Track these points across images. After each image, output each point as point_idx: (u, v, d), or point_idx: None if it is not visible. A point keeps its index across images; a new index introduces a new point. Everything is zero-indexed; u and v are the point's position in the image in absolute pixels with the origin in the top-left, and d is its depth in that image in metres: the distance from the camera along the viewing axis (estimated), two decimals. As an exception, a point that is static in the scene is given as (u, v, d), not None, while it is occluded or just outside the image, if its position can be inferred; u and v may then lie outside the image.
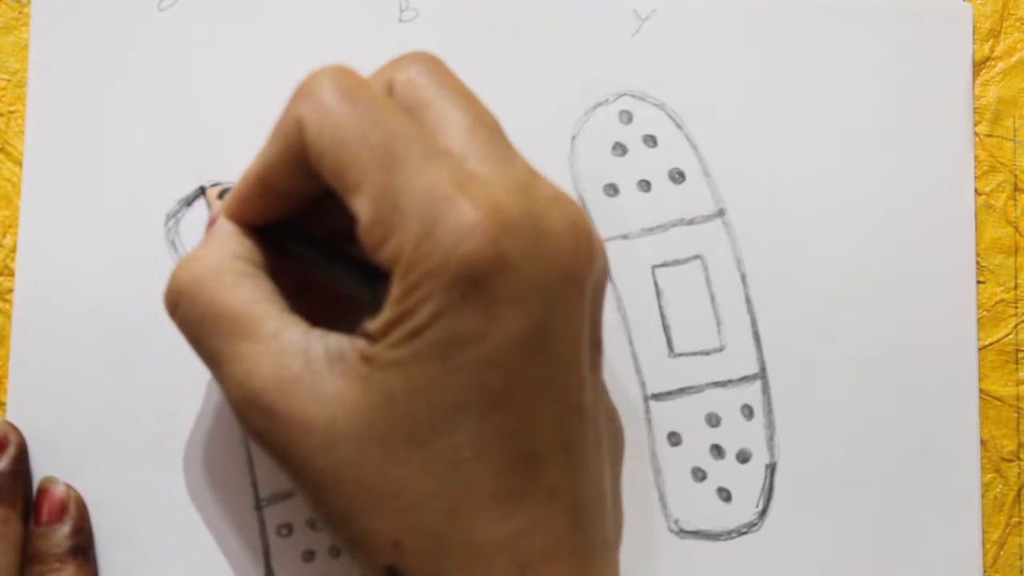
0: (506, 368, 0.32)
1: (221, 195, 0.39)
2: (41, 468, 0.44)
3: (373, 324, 0.33)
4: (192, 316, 0.35)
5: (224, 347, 0.34)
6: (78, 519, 0.43)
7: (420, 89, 0.34)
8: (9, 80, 0.45)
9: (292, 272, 0.38)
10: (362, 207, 0.32)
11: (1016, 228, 0.47)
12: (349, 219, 0.34)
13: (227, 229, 0.37)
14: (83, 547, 0.42)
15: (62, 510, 0.42)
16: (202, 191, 0.44)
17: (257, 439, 0.35)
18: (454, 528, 0.32)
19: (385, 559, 0.33)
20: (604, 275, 0.35)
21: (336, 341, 0.33)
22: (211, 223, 0.39)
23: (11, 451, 0.43)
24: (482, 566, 0.32)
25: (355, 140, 0.32)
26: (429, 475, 0.32)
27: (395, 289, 0.32)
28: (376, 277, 0.33)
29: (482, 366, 0.31)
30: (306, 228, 0.37)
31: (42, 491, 0.43)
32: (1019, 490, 0.46)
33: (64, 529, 0.42)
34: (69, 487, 0.43)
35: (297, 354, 0.33)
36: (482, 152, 0.33)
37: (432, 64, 0.35)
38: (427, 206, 0.31)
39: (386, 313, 0.32)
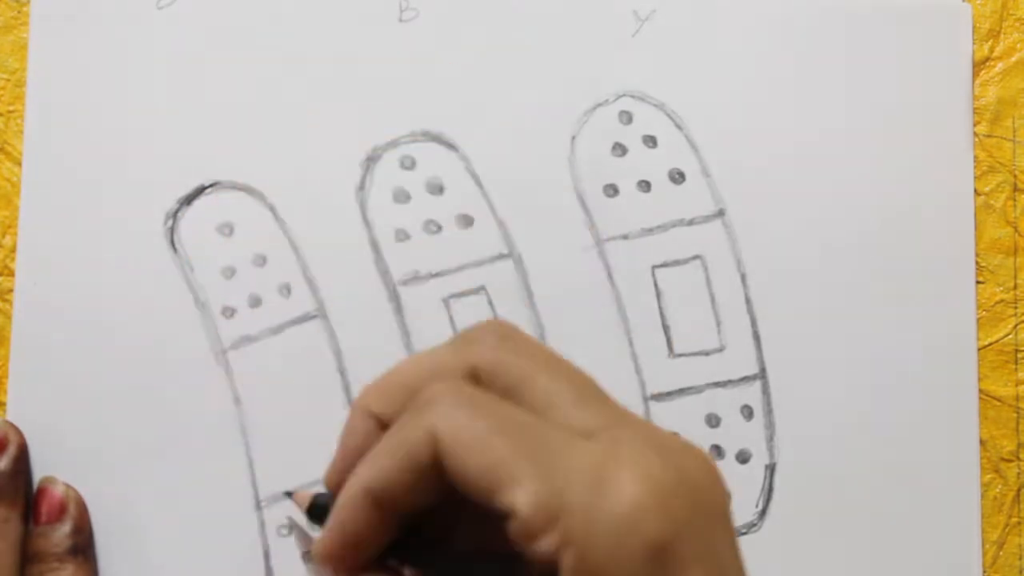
0: None
1: (312, 509, 0.37)
2: (41, 468, 0.44)
3: None
4: None
5: None
6: (78, 519, 0.43)
7: (510, 369, 0.34)
8: (8, 79, 0.45)
9: None
10: (520, 498, 0.31)
11: (1015, 228, 0.47)
12: (455, 528, 0.33)
13: None
14: (83, 547, 0.42)
15: (61, 510, 0.42)
16: (288, 495, 0.42)
17: None
18: None
19: None
20: (730, 496, 0.35)
21: None
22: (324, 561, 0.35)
23: (11, 451, 0.43)
24: None
25: (497, 438, 0.32)
26: None
27: (569, 570, 0.31)
28: (515, 570, 0.32)
29: None
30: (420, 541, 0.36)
31: (41, 491, 0.43)
32: (1018, 490, 0.46)
33: (64, 529, 0.42)
34: (68, 487, 0.43)
35: None
36: (600, 422, 0.33)
37: (508, 337, 0.35)
38: (588, 487, 0.31)
39: None
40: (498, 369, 0.34)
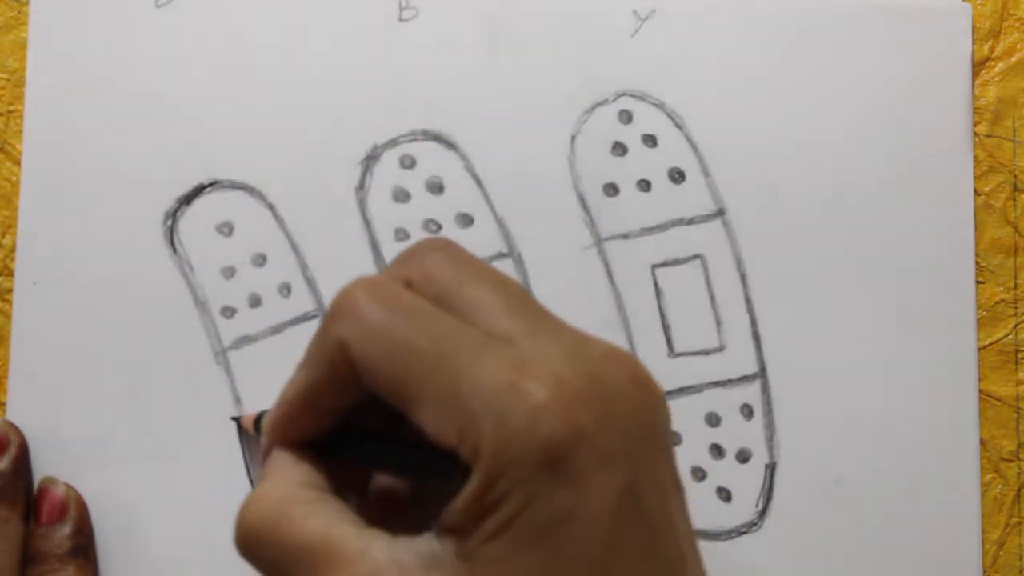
0: (606, 539, 0.31)
1: (257, 422, 0.38)
2: (41, 468, 0.44)
3: (458, 518, 0.32)
4: (269, 556, 0.34)
5: None
6: (78, 519, 0.43)
7: (441, 279, 0.34)
8: (8, 79, 0.45)
9: (356, 475, 0.37)
10: (427, 416, 0.32)
11: (1016, 228, 0.47)
12: (390, 411, 0.33)
13: (282, 459, 0.36)
14: (83, 547, 0.42)
15: (62, 511, 0.42)
16: (236, 422, 0.44)
17: None
18: None
19: None
20: (668, 417, 0.34)
21: (426, 546, 0.32)
22: (264, 453, 0.37)
23: (12, 451, 0.43)
24: None
25: (404, 352, 0.32)
26: None
27: (478, 483, 0.31)
28: (452, 468, 0.32)
29: (582, 542, 0.31)
30: (360, 427, 0.37)
31: (42, 491, 0.43)
32: (1019, 490, 0.46)
33: (64, 530, 0.42)
34: (69, 487, 0.43)
35: (390, 570, 0.32)
36: (525, 327, 0.33)
37: (444, 250, 0.35)
38: (493, 399, 0.31)
39: (472, 507, 0.31)
40: (429, 279, 0.34)
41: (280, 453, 0.36)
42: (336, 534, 0.33)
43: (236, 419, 0.44)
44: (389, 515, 0.35)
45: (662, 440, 0.33)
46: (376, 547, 0.33)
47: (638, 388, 0.33)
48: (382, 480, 0.38)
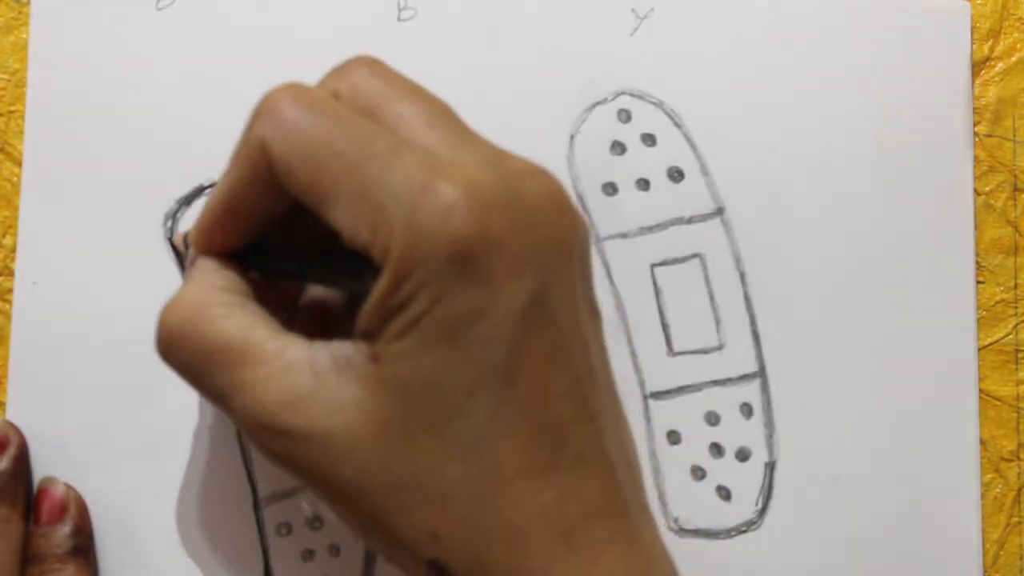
0: (511, 341, 0.32)
1: (186, 240, 0.38)
2: (41, 468, 0.44)
3: (368, 319, 0.32)
4: (187, 357, 0.35)
5: (227, 379, 0.34)
6: (78, 519, 0.43)
7: (367, 93, 0.35)
8: (9, 80, 0.45)
9: (283, 293, 0.38)
10: (341, 214, 0.32)
11: (1016, 228, 0.47)
12: (317, 226, 0.34)
13: (205, 265, 0.37)
14: (83, 547, 0.42)
15: (62, 510, 0.42)
16: (170, 240, 0.45)
17: (278, 461, 0.34)
18: (489, 509, 0.32)
19: (426, 553, 0.33)
20: (587, 241, 0.35)
21: (340, 348, 0.33)
22: (190, 264, 0.38)
23: (12, 451, 0.43)
24: (522, 542, 0.32)
25: (321, 150, 0.33)
26: (455, 461, 0.32)
27: (386, 281, 0.32)
28: (367, 271, 0.33)
29: (488, 342, 0.31)
30: (284, 241, 0.37)
31: (41, 491, 0.43)
32: (1019, 490, 0.46)
33: (64, 529, 0.42)
34: (69, 487, 0.43)
35: (303, 370, 0.33)
36: (445, 138, 0.33)
37: (373, 66, 0.35)
38: (405, 197, 0.31)
39: (380, 306, 0.32)
40: (355, 93, 0.34)
41: (204, 260, 0.37)
42: (253, 336, 0.34)
43: (169, 239, 0.44)
44: (319, 330, 0.36)
45: (577, 260, 0.34)
46: (292, 348, 0.34)
47: (554, 205, 0.33)
48: (312, 292, 0.39)
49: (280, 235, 0.37)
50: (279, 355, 0.34)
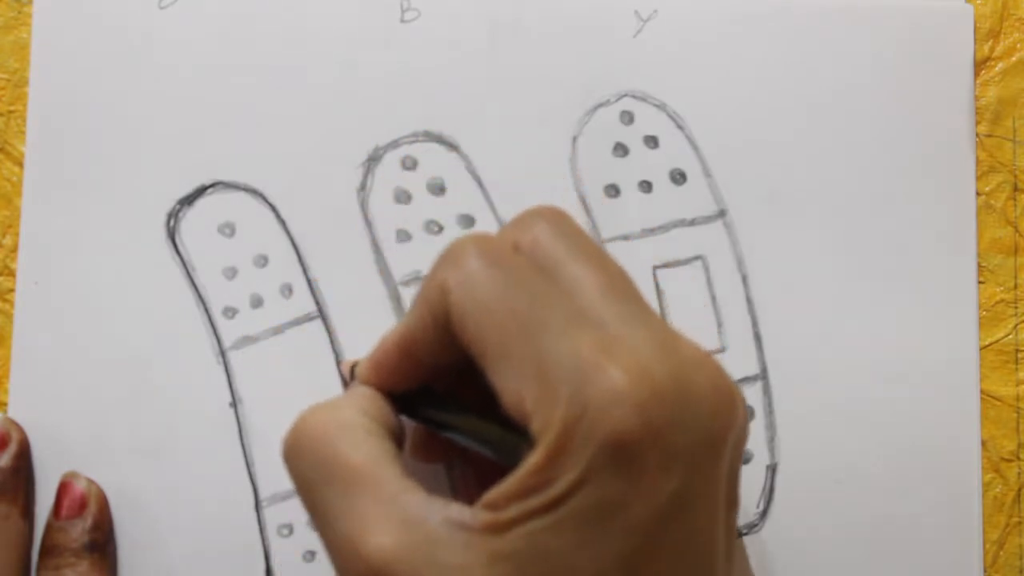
0: (645, 536, 0.31)
1: (353, 371, 0.38)
2: (41, 468, 0.44)
3: (502, 490, 0.31)
4: (310, 463, 0.34)
5: (340, 500, 0.33)
6: (97, 515, 0.43)
7: (548, 249, 0.34)
8: (9, 80, 0.45)
9: (429, 451, 0.38)
10: (506, 377, 0.32)
11: (1016, 228, 0.47)
12: (484, 387, 0.33)
13: (361, 390, 0.37)
14: (100, 543, 0.43)
15: (82, 506, 0.43)
16: (338, 367, 0.45)
17: None
18: None
19: None
20: (745, 433, 0.34)
21: (458, 512, 0.32)
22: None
23: (12, 447, 0.43)
24: None
25: (498, 305, 0.32)
26: None
27: (538, 457, 0.31)
28: (521, 440, 0.32)
29: (622, 534, 0.30)
30: (442, 393, 0.37)
31: (63, 485, 0.43)
32: (1019, 490, 0.46)
33: (82, 525, 0.42)
34: (91, 482, 0.43)
35: (417, 522, 0.32)
36: (620, 312, 0.32)
37: (557, 220, 0.35)
38: (574, 373, 0.30)
39: (523, 480, 0.31)
40: (535, 250, 0.34)
41: (361, 387, 0.37)
42: (380, 470, 0.33)
43: (337, 363, 0.45)
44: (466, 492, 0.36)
45: (728, 454, 0.33)
46: (411, 496, 0.32)
47: (717, 397, 0.32)
48: (465, 455, 0.38)
49: (439, 387, 0.37)
50: (396, 498, 0.32)
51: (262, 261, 0.45)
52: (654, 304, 0.46)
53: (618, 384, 0.30)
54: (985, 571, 0.46)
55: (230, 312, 0.45)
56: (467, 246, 0.33)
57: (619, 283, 0.34)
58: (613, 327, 0.32)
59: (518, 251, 0.34)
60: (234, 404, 0.44)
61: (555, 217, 0.35)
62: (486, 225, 0.46)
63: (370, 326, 0.45)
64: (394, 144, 0.46)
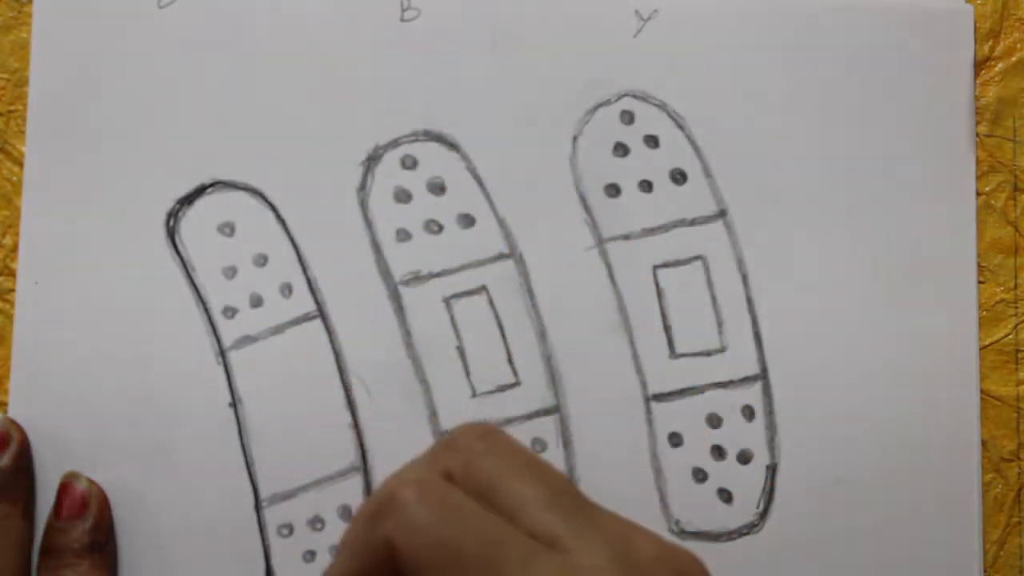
0: None
1: None
2: (41, 468, 0.44)
3: None
4: None
5: None
6: (98, 515, 0.43)
7: (482, 472, 0.33)
8: (9, 79, 0.45)
9: None
10: None
11: (1016, 228, 0.47)
12: None
13: None
14: (100, 544, 0.43)
15: (82, 506, 0.43)
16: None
17: None
18: None
19: None
20: None
21: None
22: None
23: (13, 447, 0.43)
24: None
25: (451, 555, 0.31)
26: None
27: None
28: None
29: None
30: None
31: (63, 486, 0.43)
32: (1019, 490, 0.46)
33: (82, 526, 0.42)
34: (91, 482, 0.43)
35: None
36: (567, 524, 0.32)
37: (486, 438, 0.34)
38: None
39: None
40: (471, 471, 0.33)
41: None
42: None
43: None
44: None
45: None
46: None
47: None
48: None
49: None
50: None
51: (262, 260, 0.45)
52: (654, 304, 0.46)
53: None
54: (985, 571, 0.46)
55: (230, 312, 0.45)
56: (407, 494, 0.32)
57: (561, 490, 0.33)
58: (568, 543, 0.31)
59: (452, 480, 0.33)
60: (234, 404, 0.44)
61: (484, 435, 0.34)
62: (486, 224, 0.46)
63: (370, 325, 0.45)
64: (394, 143, 0.46)
